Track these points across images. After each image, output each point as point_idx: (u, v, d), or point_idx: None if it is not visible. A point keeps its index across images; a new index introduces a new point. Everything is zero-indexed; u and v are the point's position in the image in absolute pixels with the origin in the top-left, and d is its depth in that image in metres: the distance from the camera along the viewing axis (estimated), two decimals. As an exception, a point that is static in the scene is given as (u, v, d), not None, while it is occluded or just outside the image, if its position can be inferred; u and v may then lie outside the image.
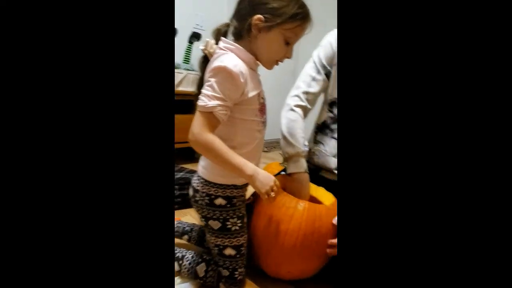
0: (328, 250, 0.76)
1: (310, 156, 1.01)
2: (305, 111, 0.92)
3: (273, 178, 0.69)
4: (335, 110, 0.95)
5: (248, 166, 0.67)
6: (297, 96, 0.91)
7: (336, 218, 0.79)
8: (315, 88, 0.92)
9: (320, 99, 0.99)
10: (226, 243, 0.76)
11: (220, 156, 0.66)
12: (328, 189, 0.91)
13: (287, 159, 0.87)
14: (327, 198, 0.87)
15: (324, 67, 0.92)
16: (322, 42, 0.95)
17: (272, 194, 0.68)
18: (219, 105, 0.65)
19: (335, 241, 0.76)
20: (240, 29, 0.70)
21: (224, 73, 0.64)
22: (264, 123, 0.78)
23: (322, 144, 0.97)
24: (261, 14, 0.66)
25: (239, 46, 0.70)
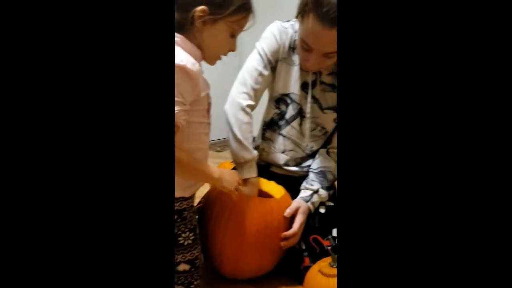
0: (282, 243, 0.76)
1: (259, 153, 1.00)
2: (253, 109, 0.88)
3: (235, 171, 0.68)
4: (282, 106, 0.93)
5: (214, 170, 0.66)
6: (247, 94, 0.85)
7: (288, 210, 0.79)
8: (262, 84, 0.87)
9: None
10: (179, 259, 0.70)
11: (190, 169, 0.61)
12: (278, 182, 0.91)
13: (242, 164, 0.83)
14: (278, 191, 0.87)
15: (270, 62, 0.87)
16: (265, 34, 0.90)
17: (241, 188, 0.67)
18: (180, 111, 0.58)
19: (288, 233, 0.76)
20: (181, 20, 0.63)
21: (182, 73, 0.58)
22: (210, 124, 0.74)
23: (271, 141, 0.96)
24: (205, 5, 0.61)
25: (184, 38, 0.63)
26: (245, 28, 0.68)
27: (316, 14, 0.67)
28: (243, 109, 0.83)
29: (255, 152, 0.84)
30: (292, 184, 0.92)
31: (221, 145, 2.75)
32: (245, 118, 0.83)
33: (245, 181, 0.82)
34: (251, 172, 0.83)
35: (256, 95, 0.87)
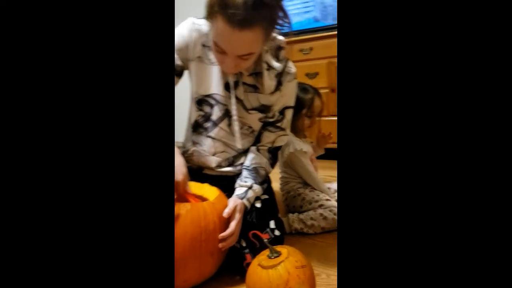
0: (220, 245, 0.75)
1: (189, 157, 0.96)
2: None
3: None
4: (206, 108, 0.89)
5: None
6: None
7: (226, 210, 0.78)
8: None
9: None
10: None
11: None
12: (213, 184, 0.90)
13: None
14: (212, 193, 0.86)
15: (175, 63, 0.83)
16: (175, 31, 0.83)
17: None
18: None
19: (224, 234, 0.76)
20: None
21: None
22: None
23: (199, 144, 0.93)
24: None
25: None
26: None
27: (223, 16, 0.63)
28: None
29: None
30: (228, 184, 0.92)
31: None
32: None
33: None
34: None
35: None
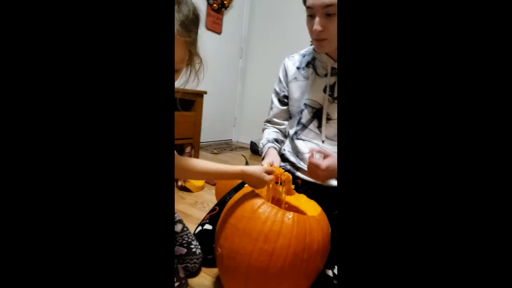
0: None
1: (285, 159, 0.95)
2: (278, 128, 1.08)
3: (259, 167, 0.72)
4: (299, 116, 0.95)
5: (234, 167, 0.70)
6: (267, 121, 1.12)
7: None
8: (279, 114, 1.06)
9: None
10: None
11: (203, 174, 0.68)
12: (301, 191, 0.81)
13: None
14: (311, 207, 0.77)
15: (281, 97, 1.02)
16: None
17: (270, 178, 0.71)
18: None
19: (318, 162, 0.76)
20: None
21: None
22: None
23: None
24: None
25: None
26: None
27: None
28: (263, 128, 1.08)
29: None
30: (319, 191, 0.87)
31: (217, 147, 2.62)
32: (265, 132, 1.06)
33: None
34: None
35: (276, 122, 1.05)
